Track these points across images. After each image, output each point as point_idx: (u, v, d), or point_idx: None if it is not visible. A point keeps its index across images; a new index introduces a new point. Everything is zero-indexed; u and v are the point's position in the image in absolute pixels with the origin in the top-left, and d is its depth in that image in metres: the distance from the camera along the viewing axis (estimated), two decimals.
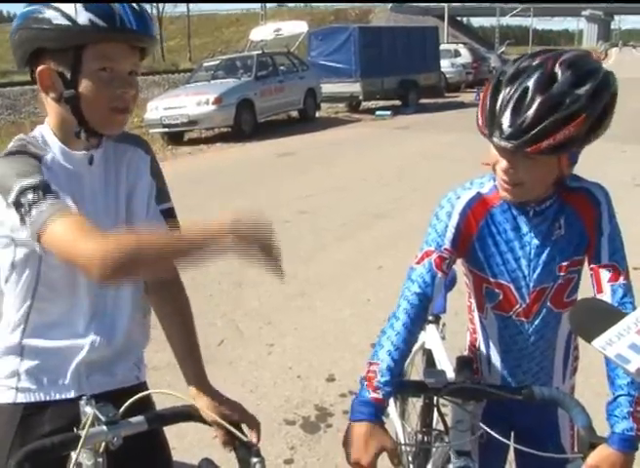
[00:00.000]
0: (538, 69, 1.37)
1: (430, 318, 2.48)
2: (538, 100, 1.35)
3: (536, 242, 1.54)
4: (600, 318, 1.05)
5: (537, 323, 1.59)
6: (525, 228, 1.54)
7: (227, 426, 1.24)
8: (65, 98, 1.35)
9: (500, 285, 1.59)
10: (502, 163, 1.44)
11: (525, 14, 76.07)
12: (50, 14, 1.30)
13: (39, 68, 1.35)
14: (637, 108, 13.69)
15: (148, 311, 1.60)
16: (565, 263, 1.54)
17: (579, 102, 1.35)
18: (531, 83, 1.36)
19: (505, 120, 1.37)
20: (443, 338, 2.45)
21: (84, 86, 1.34)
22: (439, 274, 1.54)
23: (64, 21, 1.29)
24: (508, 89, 1.38)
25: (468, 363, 1.59)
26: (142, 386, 1.55)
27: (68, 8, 1.30)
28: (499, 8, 62.60)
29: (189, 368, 1.54)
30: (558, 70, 1.37)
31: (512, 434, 1.69)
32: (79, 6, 1.29)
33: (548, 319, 1.59)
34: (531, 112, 1.35)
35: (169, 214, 1.54)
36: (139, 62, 1.40)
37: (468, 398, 1.50)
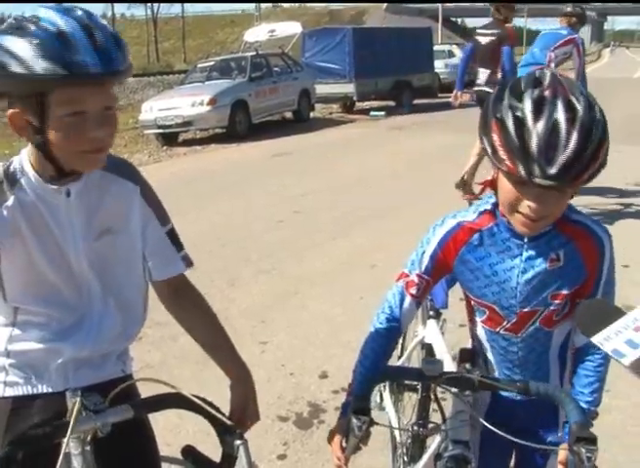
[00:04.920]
0: (556, 100, 1.34)
1: (431, 313, 2.52)
2: (574, 134, 1.31)
3: (526, 266, 1.54)
4: (601, 317, 1.12)
5: (526, 338, 1.62)
6: (516, 251, 1.54)
7: (211, 410, 1.26)
8: (36, 144, 1.32)
9: (485, 304, 1.62)
10: (531, 201, 1.38)
11: (518, 14, 76.20)
12: (6, 60, 1.23)
13: (8, 113, 1.29)
14: (630, 106, 13.77)
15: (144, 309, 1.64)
16: (558, 293, 1.55)
17: (601, 127, 1.35)
18: (559, 115, 1.32)
19: (546, 160, 1.32)
20: (442, 334, 2.48)
21: (52, 133, 1.28)
22: (408, 297, 1.63)
23: (21, 70, 1.22)
24: (538, 125, 1.32)
25: (470, 355, 1.62)
26: (128, 378, 1.59)
27: (25, 53, 1.22)
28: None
29: (223, 353, 1.68)
30: (572, 97, 1.35)
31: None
32: (34, 52, 1.21)
33: (538, 335, 1.61)
34: (571, 147, 1.31)
35: (171, 235, 1.59)
36: (113, 95, 1.33)
37: (465, 387, 1.52)
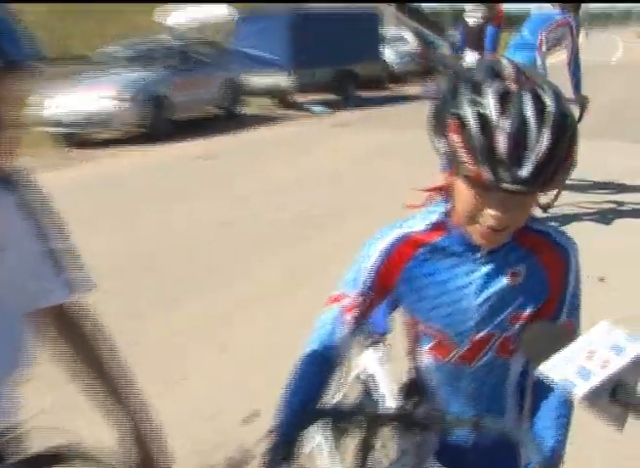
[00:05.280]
0: (523, 93, 1.33)
1: (371, 340, 2.50)
2: (545, 131, 1.31)
3: (483, 283, 1.53)
4: (549, 342, 1.13)
5: (479, 369, 1.61)
6: (471, 266, 1.53)
7: (116, 463, 1.24)
8: None
9: (432, 329, 1.60)
10: (494, 209, 1.37)
11: None
12: None
13: None
14: (609, 95, 14.15)
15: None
16: (519, 314, 1.55)
17: (572, 122, 1.36)
18: (528, 111, 1.31)
19: (515, 161, 1.30)
20: (387, 362, 2.47)
21: None
22: (346, 321, 1.58)
23: None
24: (504, 122, 1.31)
25: (416, 388, 1.61)
26: (16, 428, 1.54)
27: None
28: None
29: (116, 394, 1.63)
30: (540, 90, 1.35)
31: None
32: None
33: (493, 365, 1.61)
34: (542, 146, 1.30)
35: (55, 256, 1.54)
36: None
37: (409, 426, 1.52)
